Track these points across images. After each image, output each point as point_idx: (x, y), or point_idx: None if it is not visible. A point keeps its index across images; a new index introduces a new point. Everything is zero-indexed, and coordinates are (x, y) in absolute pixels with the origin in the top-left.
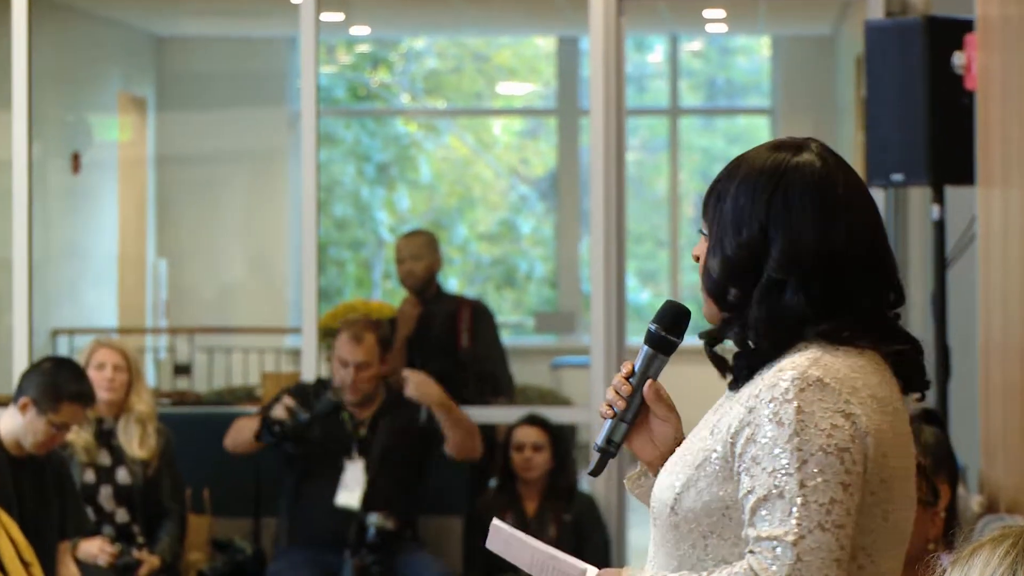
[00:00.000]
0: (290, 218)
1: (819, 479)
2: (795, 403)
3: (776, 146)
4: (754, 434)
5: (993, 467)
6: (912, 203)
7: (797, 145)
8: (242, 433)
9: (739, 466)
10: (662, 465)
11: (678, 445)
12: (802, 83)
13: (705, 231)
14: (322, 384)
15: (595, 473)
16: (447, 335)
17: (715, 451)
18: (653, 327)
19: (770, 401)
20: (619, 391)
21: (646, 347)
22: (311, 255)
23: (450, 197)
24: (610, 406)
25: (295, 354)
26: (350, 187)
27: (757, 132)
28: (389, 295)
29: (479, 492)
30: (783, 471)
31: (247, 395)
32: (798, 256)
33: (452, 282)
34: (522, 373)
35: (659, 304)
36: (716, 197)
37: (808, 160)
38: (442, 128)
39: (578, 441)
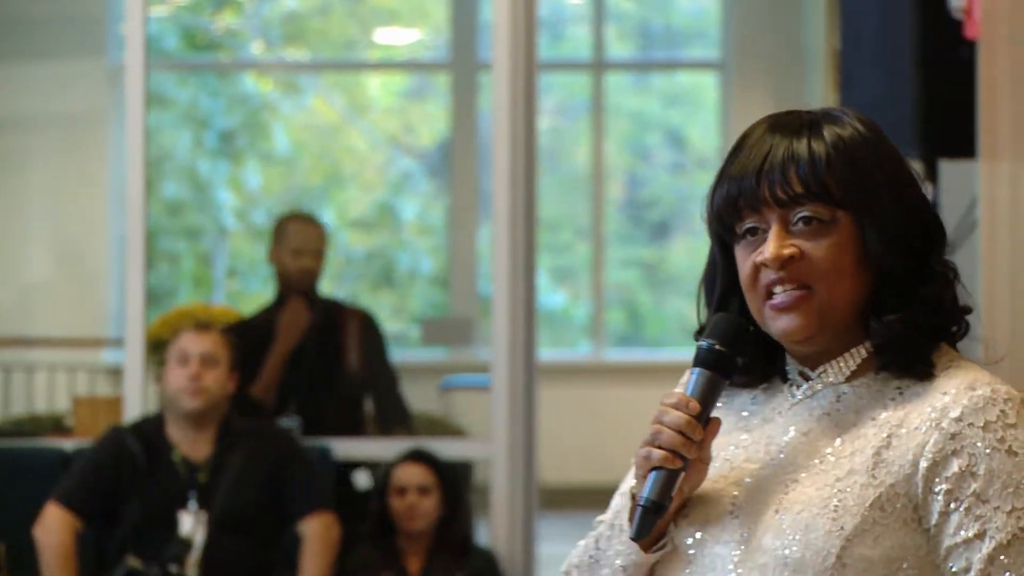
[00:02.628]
0: (110, 199)
1: None
2: (1021, 428)
3: (814, 117)
4: (971, 465)
5: None
6: None
7: (839, 115)
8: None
9: (943, 504)
10: (676, 513)
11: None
12: (759, 31)
13: (823, 211)
14: (148, 425)
15: (640, 536)
16: (332, 355)
17: (891, 486)
18: (716, 345)
19: (984, 426)
20: (691, 435)
21: (702, 371)
22: (137, 247)
23: (313, 174)
24: (675, 455)
25: (115, 373)
26: (186, 160)
27: (703, 92)
28: (235, 298)
29: (349, 547)
30: None
31: (54, 425)
32: (933, 226)
33: None
34: (404, 396)
35: (578, 309)
36: (846, 169)
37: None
38: (304, 86)
39: (475, 482)
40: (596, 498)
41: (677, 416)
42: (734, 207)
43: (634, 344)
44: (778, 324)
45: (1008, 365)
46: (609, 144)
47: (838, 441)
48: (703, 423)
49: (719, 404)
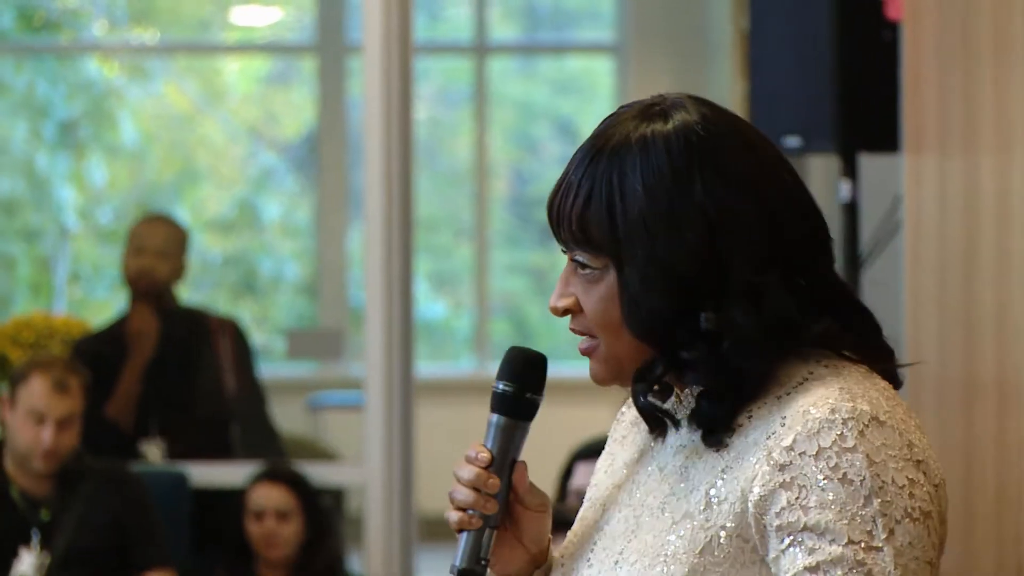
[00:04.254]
0: None
1: (911, 555)
2: (861, 452)
3: (643, 114)
4: (802, 498)
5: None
6: (813, 177)
7: (671, 104)
8: None
9: (777, 541)
10: (530, 570)
11: (548, 541)
12: (659, 10)
13: (590, 263)
14: None
15: None
16: (196, 372)
17: (723, 527)
18: (502, 387)
19: (817, 454)
20: (483, 488)
21: (498, 417)
22: None
23: (165, 168)
24: (470, 513)
25: None
26: (22, 154)
27: (596, 78)
28: (78, 306)
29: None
30: (865, 544)
31: None
32: (768, 244)
33: None
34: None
35: (459, 320)
36: (601, 206)
37: (709, 117)
38: (153, 71)
39: (347, 510)
40: None
41: (468, 470)
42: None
43: None
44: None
45: (935, 370)
46: (493, 136)
47: (682, 478)
48: (505, 471)
49: (624, 431)
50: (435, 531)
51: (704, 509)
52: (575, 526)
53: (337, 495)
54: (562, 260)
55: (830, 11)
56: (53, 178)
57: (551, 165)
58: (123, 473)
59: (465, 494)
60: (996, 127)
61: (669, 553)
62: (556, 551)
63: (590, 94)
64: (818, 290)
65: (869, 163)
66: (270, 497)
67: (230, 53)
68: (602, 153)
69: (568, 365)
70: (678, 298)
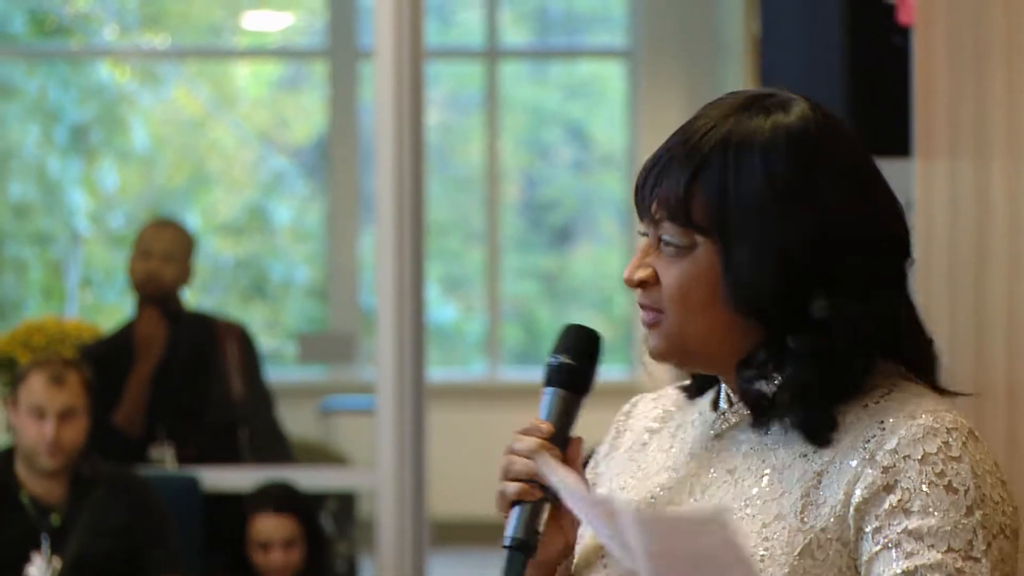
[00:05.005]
0: None
1: (1002, 570)
2: (967, 463)
3: (757, 103)
4: (904, 501)
5: None
6: None
7: (785, 99)
8: None
9: (873, 543)
10: (560, 558)
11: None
12: (670, 15)
13: (679, 240)
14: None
15: None
16: (204, 376)
17: (823, 531)
18: (558, 359)
19: (922, 459)
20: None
21: (556, 389)
22: None
23: (176, 173)
24: (529, 483)
25: None
26: (34, 158)
27: (608, 83)
28: (90, 311)
29: None
30: (965, 552)
31: None
32: (876, 241)
33: None
34: (280, 420)
35: (470, 324)
36: (715, 179)
37: (821, 113)
38: (165, 76)
39: (359, 515)
40: (491, 532)
41: (528, 442)
42: (637, 211)
43: (532, 362)
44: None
45: (945, 374)
46: (504, 140)
47: (764, 481)
48: (561, 445)
49: (647, 438)
50: (447, 535)
51: (801, 511)
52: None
53: (348, 499)
54: (574, 263)
55: (841, 16)
56: (64, 183)
57: (562, 169)
58: (134, 478)
59: (525, 464)
60: (1007, 131)
61: (764, 555)
62: (579, 553)
63: (601, 99)
64: (905, 296)
65: (880, 167)
66: (276, 528)
67: (241, 58)
68: (713, 133)
69: None
70: (790, 281)
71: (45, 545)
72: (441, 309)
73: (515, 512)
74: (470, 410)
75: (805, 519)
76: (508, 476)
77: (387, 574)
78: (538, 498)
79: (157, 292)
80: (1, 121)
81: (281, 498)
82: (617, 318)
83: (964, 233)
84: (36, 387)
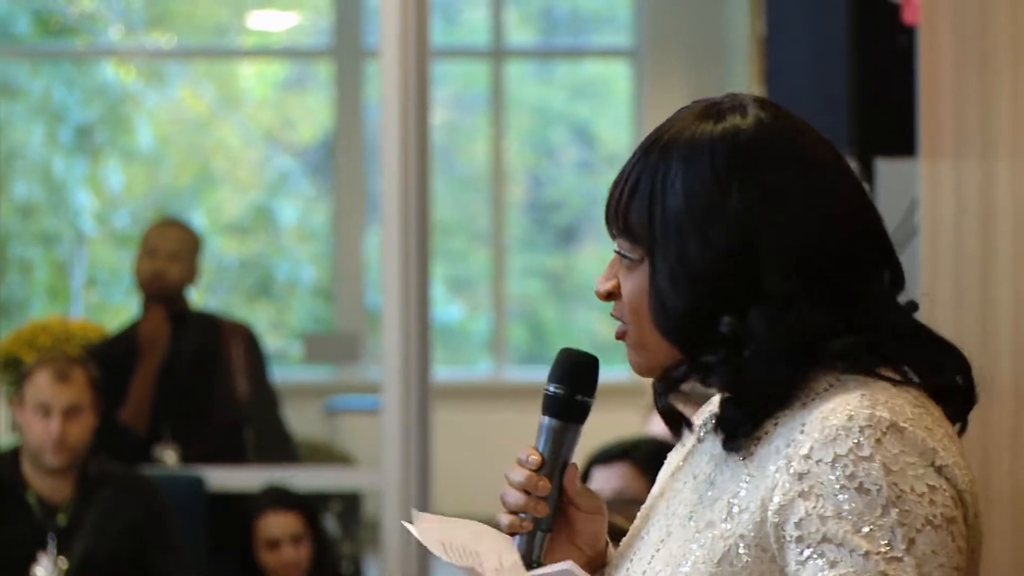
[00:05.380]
0: None
1: (934, 562)
2: (877, 460)
3: (706, 112)
4: (819, 508)
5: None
6: None
7: (734, 106)
8: None
9: (797, 552)
10: (597, 573)
11: (605, 544)
12: (676, 15)
13: (630, 253)
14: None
15: None
16: (209, 376)
17: (741, 537)
18: (554, 389)
19: (833, 462)
20: (535, 491)
21: (549, 419)
22: None
23: (181, 173)
24: (521, 516)
25: None
26: (39, 158)
27: (613, 83)
28: (95, 310)
29: None
30: (885, 554)
31: None
32: (801, 255)
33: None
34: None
35: (476, 324)
36: (645, 198)
37: (766, 122)
38: (170, 76)
39: (364, 515)
40: None
41: (518, 472)
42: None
43: (538, 362)
44: None
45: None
46: (510, 140)
47: (710, 488)
48: (556, 473)
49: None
50: None
51: (726, 518)
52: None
53: (354, 499)
54: (579, 263)
55: (847, 16)
56: (70, 183)
57: (568, 169)
58: (141, 479)
59: (516, 497)
60: (1013, 131)
61: (689, 563)
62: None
63: (607, 99)
64: (856, 307)
65: (885, 167)
66: (283, 525)
67: (247, 58)
68: (655, 147)
69: None
70: (703, 300)
71: (51, 545)
72: (447, 309)
73: (513, 542)
74: (476, 410)
75: (728, 526)
76: (504, 506)
77: (392, 574)
78: (528, 530)
79: (162, 292)
80: (6, 121)
81: (284, 496)
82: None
83: (969, 232)
84: (41, 384)
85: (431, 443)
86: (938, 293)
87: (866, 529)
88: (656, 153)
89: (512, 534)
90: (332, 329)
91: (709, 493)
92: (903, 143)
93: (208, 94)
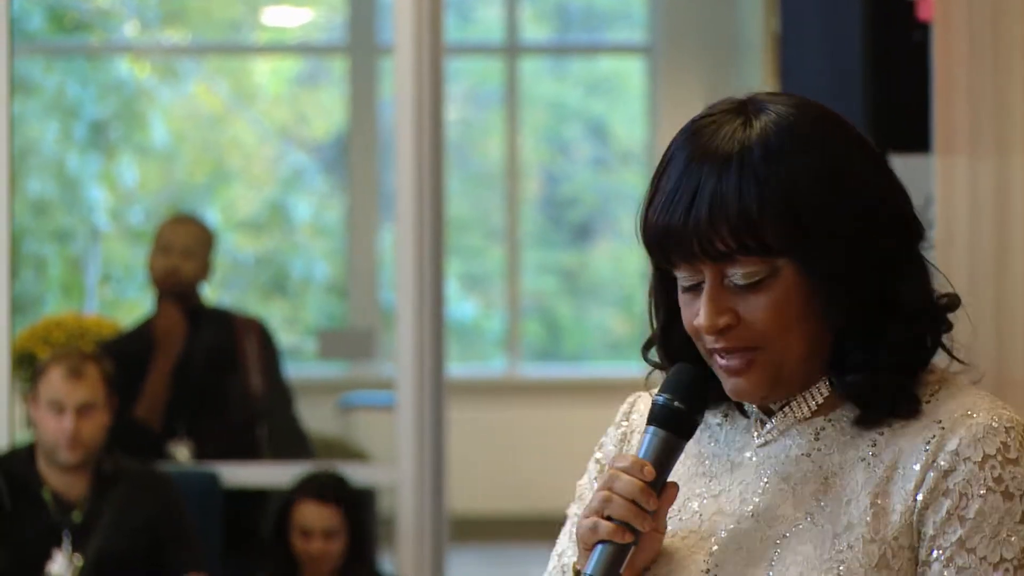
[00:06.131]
0: None
1: None
2: (1023, 465)
3: (744, 109)
4: (960, 507)
5: None
6: None
7: (772, 98)
8: None
9: (931, 552)
10: None
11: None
12: (691, 12)
13: (754, 266)
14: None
15: None
16: (223, 372)
17: (895, 539)
18: (677, 404)
19: (982, 461)
20: (645, 505)
21: (665, 432)
22: (1, 251)
23: (196, 169)
24: (622, 526)
25: None
26: (54, 154)
27: (628, 79)
28: (110, 306)
29: None
30: (1018, 561)
31: None
32: (897, 216)
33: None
34: (299, 416)
35: (490, 321)
36: (779, 199)
37: (799, 104)
38: (184, 72)
39: (379, 511)
40: (510, 529)
41: (630, 483)
42: (664, 254)
43: (553, 359)
44: (729, 385)
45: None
46: (524, 137)
47: (826, 488)
48: (658, 490)
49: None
50: (466, 531)
51: (872, 519)
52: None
53: (368, 495)
54: (594, 259)
55: (861, 13)
56: (84, 179)
57: (582, 166)
58: (157, 476)
59: (624, 508)
60: None
61: (843, 567)
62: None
63: (621, 95)
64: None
65: (900, 164)
66: (319, 517)
67: (261, 54)
68: (745, 152)
69: (599, 365)
70: (869, 269)
71: (67, 542)
72: (461, 306)
73: (599, 549)
74: (490, 406)
75: (877, 528)
76: (603, 513)
77: (406, 569)
78: (628, 542)
79: (176, 288)
80: (20, 118)
81: (327, 487)
82: (636, 315)
83: (984, 228)
84: (55, 381)
85: (445, 439)
86: (954, 286)
87: (1004, 533)
88: (757, 161)
89: (604, 542)
90: (346, 325)
91: (828, 494)
92: (917, 139)
93: (222, 90)
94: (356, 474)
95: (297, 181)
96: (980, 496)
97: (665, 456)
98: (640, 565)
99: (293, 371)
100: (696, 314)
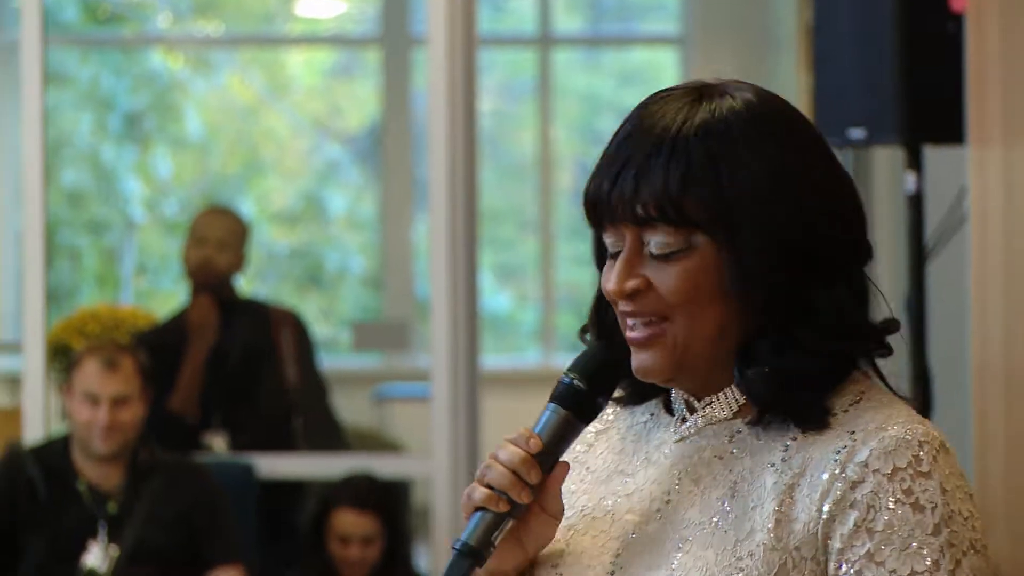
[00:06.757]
0: (4, 189)
1: None
2: (935, 478)
3: (702, 92)
4: (868, 519)
5: (992, 534)
6: (878, 169)
7: (723, 86)
8: None
9: (839, 566)
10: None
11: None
12: (723, 2)
13: (673, 240)
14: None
15: None
16: (258, 363)
17: (796, 549)
18: (570, 379)
19: (892, 473)
20: (525, 476)
21: (560, 409)
22: (35, 242)
23: (230, 160)
24: (497, 495)
25: (12, 382)
26: (88, 146)
27: (661, 70)
28: (144, 297)
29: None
30: (929, 574)
31: None
32: (842, 230)
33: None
34: (334, 407)
35: (525, 313)
36: (707, 178)
37: (760, 97)
38: (218, 64)
39: (413, 502)
40: None
41: (513, 452)
42: (595, 217)
43: None
44: (635, 363)
45: (1001, 361)
46: (557, 128)
47: (734, 493)
48: (547, 467)
49: (592, 439)
50: None
51: (774, 527)
52: (559, 533)
53: (403, 487)
54: None
55: (894, 4)
56: (119, 170)
57: None
58: (193, 466)
59: (502, 475)
60: None
61: (743, 574)
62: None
63: (654, 86)
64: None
65: (934, 155)
66: (357, 524)
67: (294, 45)
68: (687, 127)
69: None
70: (791, 267)
71: (102, 533)
72: (495, 297)
73: (475, 517)
74: (524, 397)
75: (779, 536)
76: (482, 481)
77: (441, 560)
78: (503, 511)
79: (211, 279)
80: (55, 109)
81: (364, 494)
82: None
83: (1018, 219)
84: (90, 373)
85: (480, 430)
86: (988, 280)
87: (914, 545)
88: (692, 138)
89: (478, 510)
90: (381, 317)
91: (736, 500)
92: (951, 131)
93: (256, 82)
94: (390, 466)
95: (331, 173)
96: (889, 509)
97: (559, 434)
98: (532, 549)
99: (328, 363)
100: (607, 279)
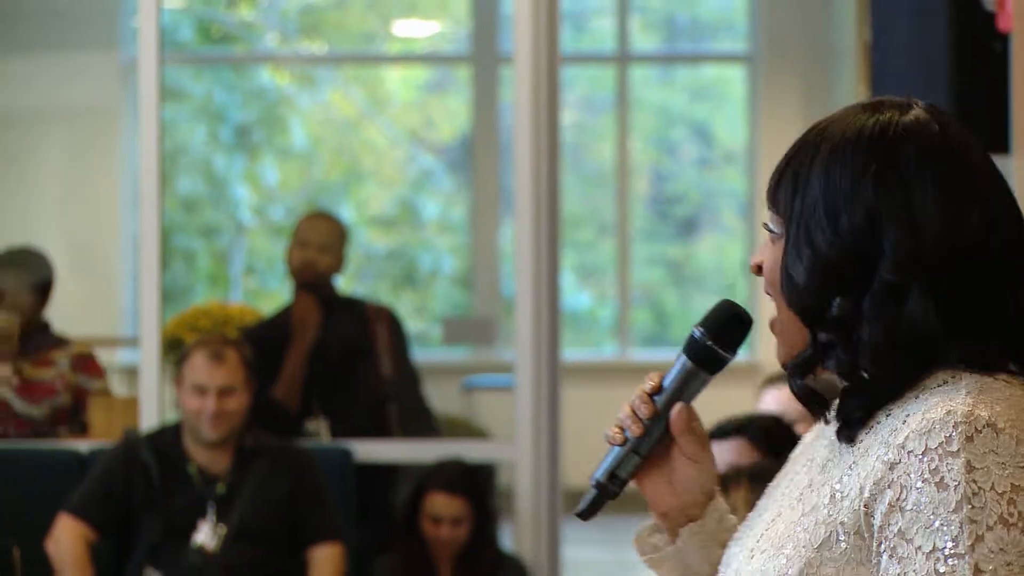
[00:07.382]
0: (123, 196)
1: (1001, 560)
2: (962, 457)
3: (871, 107)
4: (900, 499)
5: None
6: None
7: (899, 104)
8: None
9: (880, 544)
10: (681, 519)
11: (707, 497)
12: (788, 23)
13: (775, 227)
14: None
15: (586, 515)
16: (356, 356)
17: (842, 524)
18: (698, 332)
19: (923, 454)
20: (637, 411)
21: (684, 358)
22: (152, 245)
23: (332, 169)
24: (621, 429)
25: (130, 373)
26: (201, 156)
27: (730, 85)
28: (253, 296)
29: (375, 555)
30: (948, 552)
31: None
32: (921, 250)
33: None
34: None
35: (603, 310)
36: (792, 178)
37: (922, 120)
38: (321, 80)
39: (499, 485)
40: (621, 501)
41: (635, 391)
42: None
43: (660, 344)
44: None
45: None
46: (634, 139)
47: (821, 472)
48: (666, 405)
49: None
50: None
51: (828, 503)
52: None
53: (489, 471)
54: (698, 252)
55: (946, 24)
56: (230, 178)
57: (688, 166)
58: (296, 451)
59: (624, 411)
60: None
61: (791, 545)
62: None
63: (724, 100)
64: (989, 309)
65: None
66: (448, 507)
67: (392, 63)
68: (812, 133)
69: None
70: (821, 281)
71: (211, 512)
72: (576, 296)
73: (608, 454)
74: (602, 388)
75: (831, 512)
76: (616, 421)
77: (524, 538)
78: (619, 444)
79: (313, 279)
80: (171, 122)
81: (455, 479)
82: (739, 303)
83: None
84: (198, 365)
85: (560, 418)
86: None
87: (937, 523)
88: (813, 138)
89: (609, 444)
90: (470, 314)
91: (819, 477)
92: (998, 141)
93: (356, 97)
94: (478, 451)
95: (425, 181)
96: (917, 488)
97: (682, 380)
98: (682, 491)
99: (420, 356)
100: None
